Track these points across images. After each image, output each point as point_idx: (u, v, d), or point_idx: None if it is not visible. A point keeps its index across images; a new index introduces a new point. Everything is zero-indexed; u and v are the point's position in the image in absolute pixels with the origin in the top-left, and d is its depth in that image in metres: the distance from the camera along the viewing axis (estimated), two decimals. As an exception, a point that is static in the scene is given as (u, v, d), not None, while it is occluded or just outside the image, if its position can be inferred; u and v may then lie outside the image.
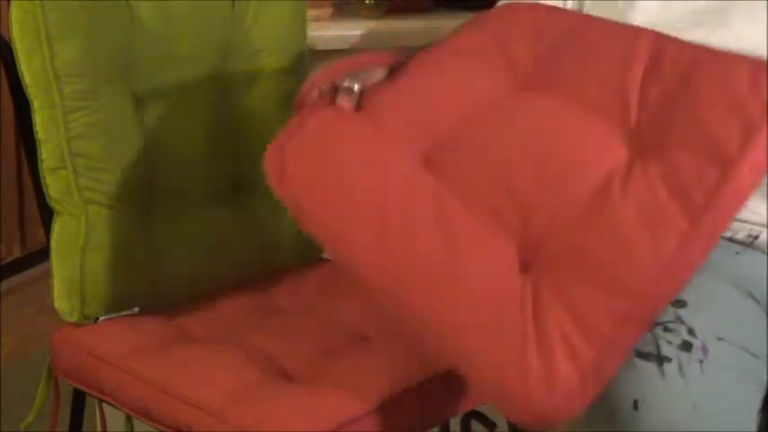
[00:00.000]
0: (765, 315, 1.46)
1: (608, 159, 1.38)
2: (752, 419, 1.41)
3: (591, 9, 1.60)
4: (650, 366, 1.40)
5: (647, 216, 1.33)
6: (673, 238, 1.32)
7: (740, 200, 1.32)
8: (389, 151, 1.44)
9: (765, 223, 1.48)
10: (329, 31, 2.06)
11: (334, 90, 1.47)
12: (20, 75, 1.60)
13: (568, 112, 1.43)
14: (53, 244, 1.63)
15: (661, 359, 1.40)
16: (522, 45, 1.51)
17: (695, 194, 1.32)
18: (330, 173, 1.42)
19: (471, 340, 1.34)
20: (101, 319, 1.65)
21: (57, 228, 1.63)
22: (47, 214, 1.65)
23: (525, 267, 1.38)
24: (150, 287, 1.68)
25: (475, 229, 1.38)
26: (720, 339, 1.43)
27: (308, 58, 1.87)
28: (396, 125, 1.46)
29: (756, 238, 1.49)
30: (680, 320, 1.42)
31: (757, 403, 1.43)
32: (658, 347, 1.40)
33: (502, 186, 1.40)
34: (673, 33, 1.45)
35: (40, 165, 1.62)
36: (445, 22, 2.11)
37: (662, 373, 1.39)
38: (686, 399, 1.37)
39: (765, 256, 1.48)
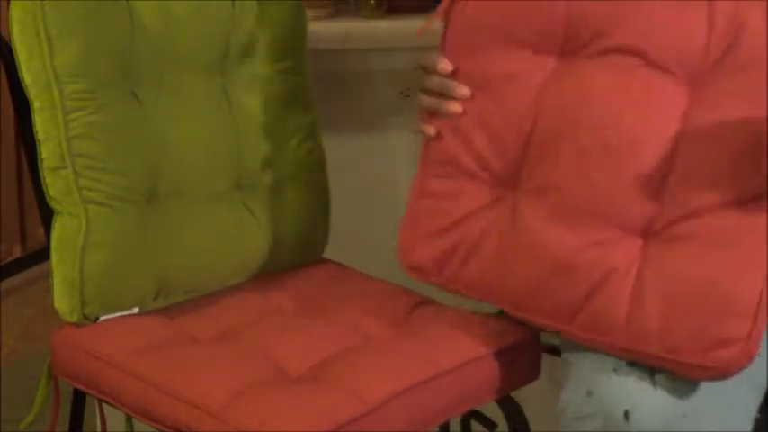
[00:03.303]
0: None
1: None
2: (746, 424, 1.41)
3: None
4: (641, 375, 1.39)
5: None
6: None
7: None
8: None
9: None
10: (329, 31, 2.06)
11: None
12: (20, 75, 1.60)
13: None
14: (53, 244, 1.63)
15: (653, 368, 1.40)
16: None
17: None
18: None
19: None
20: (101, 319, 1.65)
21: (57, 228, 1.63)
22: (47, 214, 1.64)
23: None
24: (150, 287, 1.67)
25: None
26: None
27: (308, 58, 1.87)
28: None
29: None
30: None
31: (754, 408, 1.43)
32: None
33: None
34: None
35: (40, 165, 1.62)
36: (445, 22, 2.11)
37: (653, 382, 1.39)
38: (677, 408, 1.37)
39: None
